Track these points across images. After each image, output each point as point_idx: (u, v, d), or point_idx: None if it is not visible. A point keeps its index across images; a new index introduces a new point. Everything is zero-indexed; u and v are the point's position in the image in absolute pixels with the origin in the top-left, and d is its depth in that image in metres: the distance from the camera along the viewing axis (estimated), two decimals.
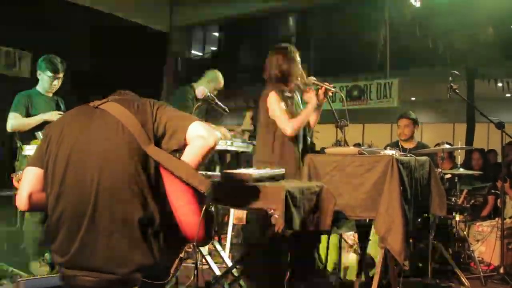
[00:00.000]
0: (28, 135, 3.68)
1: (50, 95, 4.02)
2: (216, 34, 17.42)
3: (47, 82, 3.93)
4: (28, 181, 1.93)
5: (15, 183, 2.23)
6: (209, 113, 4.62)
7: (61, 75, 3.97)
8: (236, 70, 14.32)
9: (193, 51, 17.16)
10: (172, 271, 1.86)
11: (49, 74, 3.90)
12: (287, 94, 3.44)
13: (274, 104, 3.36)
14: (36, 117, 3.78)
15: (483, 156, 6.93)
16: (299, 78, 3.47)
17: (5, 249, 3.78)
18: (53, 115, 3.76)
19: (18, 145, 3.72)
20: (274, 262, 3.20)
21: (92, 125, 1.85)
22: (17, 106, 3.78)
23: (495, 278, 4.19)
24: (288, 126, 3.31)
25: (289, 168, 3.28)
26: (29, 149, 3.43)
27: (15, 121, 3.75)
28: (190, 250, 1.84)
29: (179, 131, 1.83)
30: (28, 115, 3.81)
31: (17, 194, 1.94)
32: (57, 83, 3.98)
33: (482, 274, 4.13)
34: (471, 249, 4.53)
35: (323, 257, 3.94)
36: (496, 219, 4.88)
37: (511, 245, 4.83)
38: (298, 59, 3.48)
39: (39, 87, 3.97)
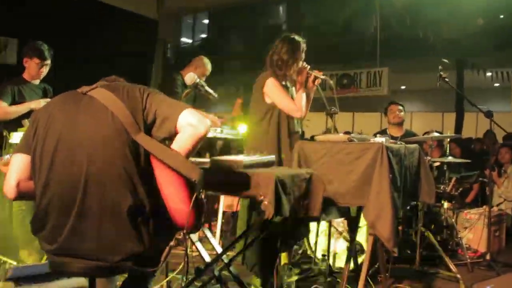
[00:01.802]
0: (14, 123, 3.63)
1: (37, 82, 3.96)
2: (206, 21, 17.31)
3: (34, 69, 3.87)
4: (15, 169, 1.91)
5: (1, 167, 2.21)
6: (198, 100, 4.59)
7: (48, 62, 3.91)
8: (226, 57, 14.27)
9: (182, 38, 17.04)
10: (162, 258, 1.86)
11: (37, 61, 3.85)
12: (283, 83, 3.43)
13: (274, 89, 3.35)
14: (22, 105, 3.73)
15: (459, 145, 7.00)
16: (295, 74, 3.42)
17: None
18: (40, 103, 3.71)
19: (4, 133, 3.67)
20: (265, 248, 3.23)
21: (80, 111, 1.82)
22: (3, 95, 3.72)
23: (481, 265, 4.26)
24: (296, 109, 3.34)
25: (284, 153, 3.30)
26: (16, 137, 3.39)
27: (0, 110, 3.69)
28: (180, 237, 1.83)
29: (170, 119, 1.81)
30: (14, 103, 3.75)
31: (4, 182, 1.92)
32: (44, 70, 3.92)
33: (469, 260, 4.19)
34: (459, 236, 4.60)
35: (312, 244, 3.98)
36: (484, 206, 4.94)
37: (497, 233, 4.90)
38: (303, 56, 3.43)
39: (25, 75, 3.91)
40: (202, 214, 1.82)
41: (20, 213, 3.65)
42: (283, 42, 3.41)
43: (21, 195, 1.93)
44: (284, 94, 3.37)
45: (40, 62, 3.86)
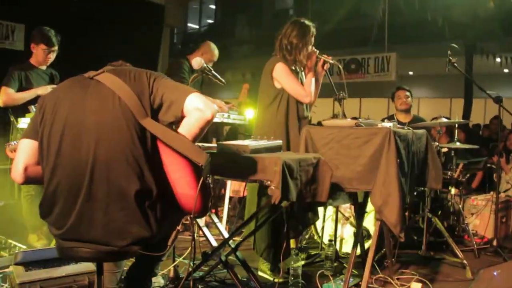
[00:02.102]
0: (21, 109, 3.64)
1: (44, 68, 3.96)
2: (213, 6, 17.22)
3: (41, 55, 3.87)
4: (23, 154, 1.91)
5: (8, 153, 2.22)
6: (205, 85, 4.57)
7: (55, 48, 3.90)
8: (232, 42, 14.19)
9: (189, 24, 16.97)
10: (169, 243, 1.86)
11: (43, 47, 3.84)
12: (292, 67, 3.41)
13: (284, 74, 3.31)
14: (29, 91, 3.73)
15: (465, 130, 6.96)
16: (305, 58, 3.39)
17: (4, 222, 3.80)
18: (47, 89, 3.71)
19: (12, 119, 3.69)
20: (274, 233, 3.24)
21: (86, 96, 1.82)
22: (10, 81, 3.72)
23: (488, 251, 4.25)
24: (305, 94, 3.32)
25: (293, 139, 3.28)
26: (24, 122, 3.40)
27: (7, 96, 3.69)
28: (187, 222, 1.84)
29: (176, 103, 1.81)
30: (21, 88, 3.75)
31: (12, 167, 1.93)
32: (51, 57, 3.92)
33: (475, 246, 4.18)
34: (465, 222, 4.58)
35: (319, 229, 3.99)
36: (491, 193, 4.92)
37: (504, 219, 4.88)
38: (312, 40, 3.40)
39: (32, 60, 3.90)
40: (209, 199, 1.82)
41: (28, 198, 3.68)
42: (293, 26, 3.37)
43: (29, 180, 1.94)
44: (293, 79, 3.34)
45: (47, 48, 3.85)
